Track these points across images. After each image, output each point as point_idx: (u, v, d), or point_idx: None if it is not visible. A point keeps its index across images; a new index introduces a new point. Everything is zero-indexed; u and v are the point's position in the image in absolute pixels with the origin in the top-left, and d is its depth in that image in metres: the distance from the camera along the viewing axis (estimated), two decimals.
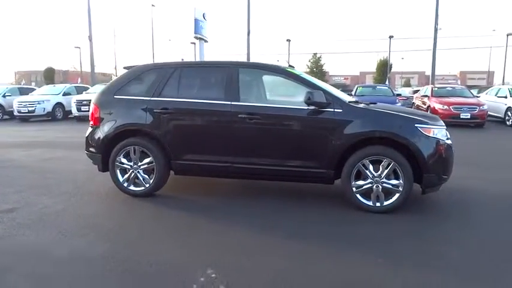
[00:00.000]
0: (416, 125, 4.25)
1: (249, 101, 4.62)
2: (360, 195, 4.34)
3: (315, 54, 59.29)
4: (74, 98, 17.06)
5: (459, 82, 67.51)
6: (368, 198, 4.33)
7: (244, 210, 4.42)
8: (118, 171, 4.91)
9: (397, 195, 4.26)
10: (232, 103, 4.55)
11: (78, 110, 16.58)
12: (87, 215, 4.30)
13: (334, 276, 2.91)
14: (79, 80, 29.00)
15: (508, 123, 14.25)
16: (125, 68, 5.28)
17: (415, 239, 3.63)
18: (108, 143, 4.90)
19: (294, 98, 4.61)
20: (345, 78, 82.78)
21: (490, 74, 78.04)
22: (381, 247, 3.43)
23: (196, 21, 24.69)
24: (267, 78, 4.93)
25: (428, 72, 22.10)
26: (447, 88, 16.60)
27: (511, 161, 7.70)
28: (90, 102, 17.58)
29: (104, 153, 4.93)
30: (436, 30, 19.47)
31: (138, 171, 4.84)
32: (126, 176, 4.89)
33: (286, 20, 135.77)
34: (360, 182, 4.32)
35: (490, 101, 15.34)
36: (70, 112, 17.55)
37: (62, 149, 8.91)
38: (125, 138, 4.86)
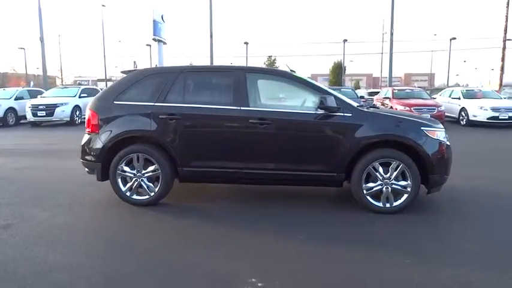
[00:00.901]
0: (422, 128, 4.44)
1: (258, 106, 4.60)
2: (370, 197, 4.46)
3: (270, 56, 60.16)
4: (29, 103, 16.05)
5: (402, 83, 71.12)
6: (377, 199, 4.46)
7: (255, 216, 4.38)
8: (119, 180, 4.69)
9: (405, 195, 4.42)
10: (242, 108, 4.50)
11: (34, 115, 15.67)
12: (96, 229, 4.07)
13: (374, 278, 2.97)
14: (31, 83, 27.27)
15: (462, 122, 15.27)
16: (123, 72, 5.06)
17: (433, 238, 3.79)
18: (108, 150, 4.66)
19: (302, 103, 4.66)
20: None
21: (431, 76, 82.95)
22: (402, 247, 3.53)
23: (155, 22, 24.13)
24: (274, 83, 4.91)
25: (376, 75, 23.07)
26: (406, 90, 17.47)
27: (472, 158, 8.18)
28: (47, 107, 16.66)
29: (104, 161, 4.69)
30: (391, 34, 20.46)
31: (142, 180, 4.65)
32: (128, 184, 4.68)
33: (243, 22, 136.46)
34: (370, 184, 4.44)
35: (445, 102, 16.32)
36: (23, 117, 16.50)
37: (30, 158, 8.37)
38: (127, 145, 4.66)
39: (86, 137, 4.85)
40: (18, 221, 4.20)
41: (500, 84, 27.84)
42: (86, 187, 5.51)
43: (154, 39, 24.83)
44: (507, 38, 28.20)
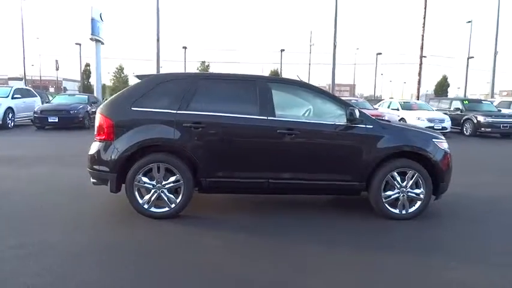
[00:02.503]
0: (433, 140, 4.80)
1: (284, 116, 4.62)
2: (387, 204, 4.70)
3: (203, 62, 59.69)
4: None
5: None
6: (394, 207, 4.71)
7: (283, 226, 4.37)
8: (136, 192, 4.40)
9: (418, 202, 4.72)
10: (269, 118, 4.50)
11: None
12: (133, 250, 3.76)
13: (435, 281, 3.16)
14: None
15: None
16: (137, 76, 4.76)
17: (467, 241, 4.11)
18: (125, 160, 4.36)
19: (324, 114, 4.78)
20: None
21: (352, 87, 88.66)
22: (442, 252, 3.80)
23: (93, 21, 22.85)
24: (296, 94, 4.96)
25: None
26: (352, 101, 18.47)
27: None
28: None
29: (119, 171, 4.37)
30: (335, 46, 21.59)
31: (163, 191, 4.41)
32: (147, 196, 4.41)
33: (181, 27, 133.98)
34: (389, 193, 4.68)
35: (385, 113, 17.59)
36: None
37: None
38: (145, 155, 4.40)
39: (96, 145, 4.48)
40: (33, 241, 3.74)
41: (418, 96, 30.86)
42: (85, 198, 5.07)
43: (92, 39, 23.50)
44: (423, 55, 31.37)
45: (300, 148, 4.57)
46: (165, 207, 4.45)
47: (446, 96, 39.10)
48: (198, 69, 59.62)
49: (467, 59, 38.54)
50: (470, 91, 48.35)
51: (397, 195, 4.68)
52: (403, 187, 4.67)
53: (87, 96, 18.15)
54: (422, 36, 30.10)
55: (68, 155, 9.15)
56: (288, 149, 4.54)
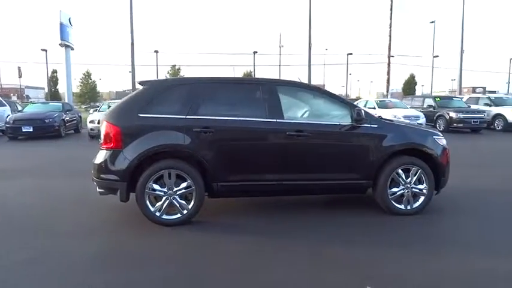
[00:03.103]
0: (433, 137, 4.98)
1: (293, 118, 4.67)
2: (393, 201, 4.83)
3: (174, 65, 59.01)
4: None
5: None
6: (399, 203, 4.85)
7: (297, 227, 4.42)
8: (147, 200, 4.33)
9: (422, 197, 4.88)
10: (278, 120, 4.53)
11: None
12: (159, 264, 3.68)
13: (472, 270, 3.29)
14: None
15: None
16: (141, 83, 4.68)
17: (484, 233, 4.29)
18: (135, 168, 4.28)
19: (330, 115, 4.86)
20: None
21: (322, 87, 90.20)
22: (458, 244, 3.95)
23: (62, 26, 22.19)
24: (301, 96, 5.03)
25: None
26: None
27: None
28: None
29: (130, 180, 4.29)
30: (309, 48, 21.92)
31: (174, 198, 4.36)
32: (158, 204, 4.34)
33: (152, 31, 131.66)
34: (394, 189, 4.81)
35: None
36: None
37: None
38: (155, 161, 4.33)
39: (103, 154, 4.38)
40: (47, 252, 3.61)
41: (387, 95, 31.80)
42: (77, 207, 4.93)
43: (61, 44, 22.73)
44: (391, 54, 32.38)
45: (309, 149, 4.63)
46: (177, 214, 4.40)
47: (414, 94, 40.46)
48: (168, 73, 59.03)
49: (433, 57, 40.08)
50: (436, 88, 50.27)
51: (402, 191, 4.82)
52: (408, 183, 4.81)
53: (61, 104, 17.59)
54: (390, 36, 31.11)
55: (51, 165, 8.86)
56: (297, 150, 4.60)
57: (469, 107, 18.15)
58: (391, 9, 30.68)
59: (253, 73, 44.90)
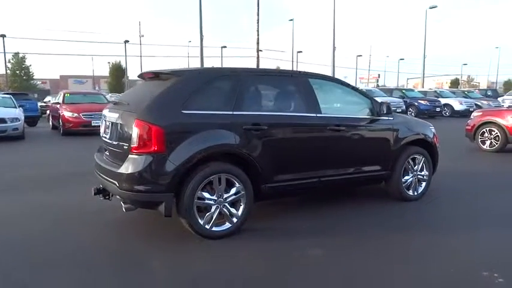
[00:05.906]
0: (430, 127, 5.47)
1: (330, 113, 4.56)
2: (405, 188, 5.16)
3: (17, 53, 50.73)
4: None
5: None
6: (408, 189, 5.20)
7: (344, 224, 4.36)
8: (196, 211, 3.70)
9: (424, 183, 5.33)
10: (318, 115, 4.37)
11: None
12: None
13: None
14: None
15: None
16: (172, 73, 3.89)
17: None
18: (183, 175, 3.60)
19: (357, 108, 4.89)
20: (42, 82, 74.17)
21: None
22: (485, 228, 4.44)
23: None
24: (329, 89, 4.90)
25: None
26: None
27: None
28: None
29: (177, 190, 3.59)
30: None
31: (224, 205, 3.82)
32: (208, 214, 3.75)
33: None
34: (406, 177, 5.13)
35: None
36: None
37: None
38: (204, 165, 3.72)
39: (140, 161, 3.54)
40: None
41: None
42: (83, 227, 3.94)
43: None
44: (259, 48, 34.10)
45: (345, 143, 4.61)
46: (226, 224, 3.87)
47: None
48: (9, 61, 50.50)
49: (297, 53, 43.66)
50: None
51: (411, 179, 5.18)
52: (415, 171, 5.20)
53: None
54: (258, 31, 32.55)
55: (22, 175, 6.73)
56: (335, 145, 4.53)
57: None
58: (258, 4, 31.99)
59: (126, 64, 41.56)
